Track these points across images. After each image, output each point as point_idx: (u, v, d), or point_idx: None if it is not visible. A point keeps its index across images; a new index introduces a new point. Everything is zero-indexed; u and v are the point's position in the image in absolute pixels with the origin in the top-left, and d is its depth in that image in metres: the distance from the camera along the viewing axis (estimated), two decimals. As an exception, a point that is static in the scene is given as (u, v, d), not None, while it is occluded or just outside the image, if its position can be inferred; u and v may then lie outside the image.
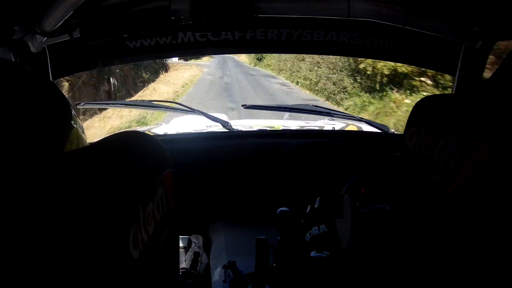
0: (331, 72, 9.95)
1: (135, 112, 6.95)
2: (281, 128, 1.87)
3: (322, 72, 10.53)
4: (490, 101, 0.46)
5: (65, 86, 6.32)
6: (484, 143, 0.40)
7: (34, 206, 0.22)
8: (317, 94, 10.51)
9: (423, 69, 5.61)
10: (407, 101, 6.61)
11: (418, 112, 0.56)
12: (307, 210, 0.78)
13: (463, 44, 1.19)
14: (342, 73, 9.34)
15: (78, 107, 1.75)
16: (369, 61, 7.43)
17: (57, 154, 0.38)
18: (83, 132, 0.47)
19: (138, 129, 2.16)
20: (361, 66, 8.07)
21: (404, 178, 0.58)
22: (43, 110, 0.38)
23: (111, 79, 8.63)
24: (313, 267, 0.68)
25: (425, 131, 0.51)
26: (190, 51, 1.36)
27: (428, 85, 6.30)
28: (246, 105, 1.80)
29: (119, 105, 1.78)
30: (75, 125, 0.43)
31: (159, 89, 11.02)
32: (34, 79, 0.39)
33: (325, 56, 9.64)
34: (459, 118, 0.46)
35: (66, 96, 0.44)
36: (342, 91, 9.21)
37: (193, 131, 1.69)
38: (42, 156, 0.36)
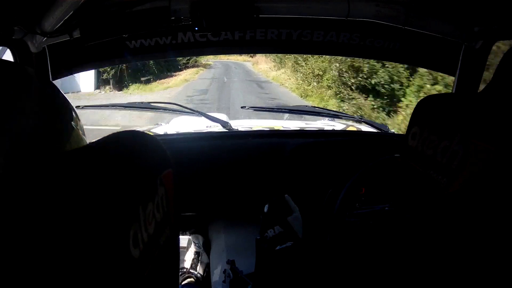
0: None
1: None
2: (280, 128, 1.87)
3: None
4: (493, 101, 0.46)
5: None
6: (487, 143, 0.40)
7: (35, 206, 0.22)
8: None
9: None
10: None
11: (420, 111, 0.56)
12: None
13: (463, 44, 1.19)
14: None
15: (77, 110, 1.75)
16: None
17: (57, 154, 0.38)
18: (84, 134, 0.47)
19: (137, 129, 2.15)
20: None
21: (406, 178, 0.58)
22: (44, 111, 0.38)
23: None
24: (284, 256, 0.72)
25: (428, 130, 0.51)
26: (190, 51, 1.36)
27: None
28: (245, 106, 1.80)
29: (118, 107, 1.77)
30: (76, 127, 0.43)
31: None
32: (35, 80, 0.39)
33: None
34: (462, 117, 0.46)
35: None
36: None
37: (193, 131, 1.69)
38: (42, 157, 0.36)
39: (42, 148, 0.36)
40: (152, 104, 1.66)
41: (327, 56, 8.29)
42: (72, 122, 0.43)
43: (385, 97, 7.39)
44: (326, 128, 1.86)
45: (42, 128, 0.36)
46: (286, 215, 0.82)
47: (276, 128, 1.86)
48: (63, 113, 0.41)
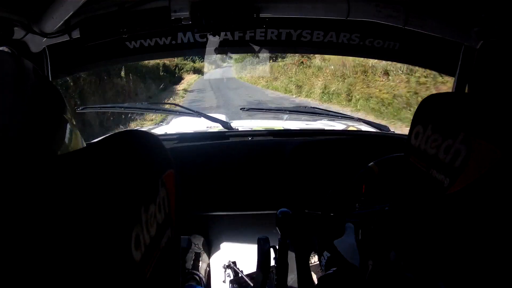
0: None
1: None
2: (281, 129, 1.87)
3: None
4: (497, 101, 0.46)
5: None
6: (490, 143, 0.40)
7: (35, 207, 0.21)
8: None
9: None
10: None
11: (423, 109, 0.56)
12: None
13: (463, 44, 1.19)
14: None
15: (77, 111, 1.75)
16: None
17: (51, 149, 0.37)
18: (75, 126, 0.47)
19: (138, 129, 2.15)
20: None
21: (407, 177, 0.58)
22: (38, 104, 0.37)
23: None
24: (323, 284, 0.69)
25: (431, 129, 0.51)
26: (190, 51, 1.36)
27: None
28: (244, 107, 1.81)
29: (118, 109, 1.77)
30: (69, 120, 0.43)
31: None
32: (32, 74, 0.39)
33: None
34: (465, 116, 0.46)
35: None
36: None
37: (193, 131, 1.69)
38: (37, 153, 0.36)
39: (34, 138, 0.36)
40: (152, 105, 1.66)
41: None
42: (65, 115, 0.42)
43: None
44: (326, 128, 1.86)
45: (34, 118, 0.36)
46: (334, 237, 0.75)
47: (276, 128, 1.86)
48: (56, 105, 0.41)
